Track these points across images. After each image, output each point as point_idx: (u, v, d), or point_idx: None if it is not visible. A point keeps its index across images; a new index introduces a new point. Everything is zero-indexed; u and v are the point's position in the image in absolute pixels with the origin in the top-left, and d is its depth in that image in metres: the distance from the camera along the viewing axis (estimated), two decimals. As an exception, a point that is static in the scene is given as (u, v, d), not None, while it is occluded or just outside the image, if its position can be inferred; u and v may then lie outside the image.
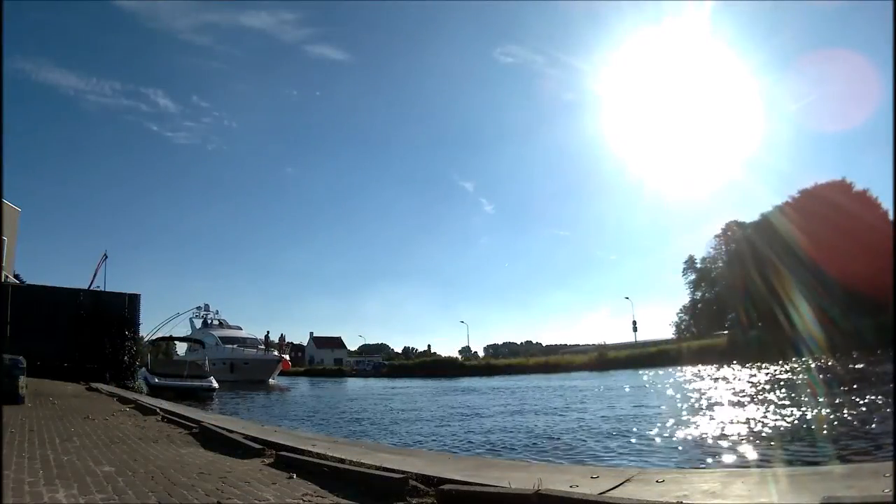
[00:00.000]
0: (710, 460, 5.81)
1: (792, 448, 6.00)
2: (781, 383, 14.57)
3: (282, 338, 39.72)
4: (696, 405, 11.00)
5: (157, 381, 18.85)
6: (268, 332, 40.36)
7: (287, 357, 38.45)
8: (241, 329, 43.26)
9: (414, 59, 79.42)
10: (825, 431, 6.85)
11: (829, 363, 20.16)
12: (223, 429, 5.54)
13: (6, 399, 7.23)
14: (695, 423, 8.45)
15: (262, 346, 38.57)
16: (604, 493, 2.75)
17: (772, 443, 6.39)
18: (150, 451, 4.44)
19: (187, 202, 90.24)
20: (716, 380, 18.02)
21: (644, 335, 50.37)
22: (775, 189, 47.84)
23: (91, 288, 20.70)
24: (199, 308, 45.57)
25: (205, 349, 37.44)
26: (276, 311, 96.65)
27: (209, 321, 44.80)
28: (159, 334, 28.27)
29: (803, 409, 9.00)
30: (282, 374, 38.64)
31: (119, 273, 72.14)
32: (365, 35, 76.22)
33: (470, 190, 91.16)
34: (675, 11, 47.34)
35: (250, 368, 34.71)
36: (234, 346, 36.98)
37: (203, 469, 3.71)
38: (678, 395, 13.82)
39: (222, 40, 69.68)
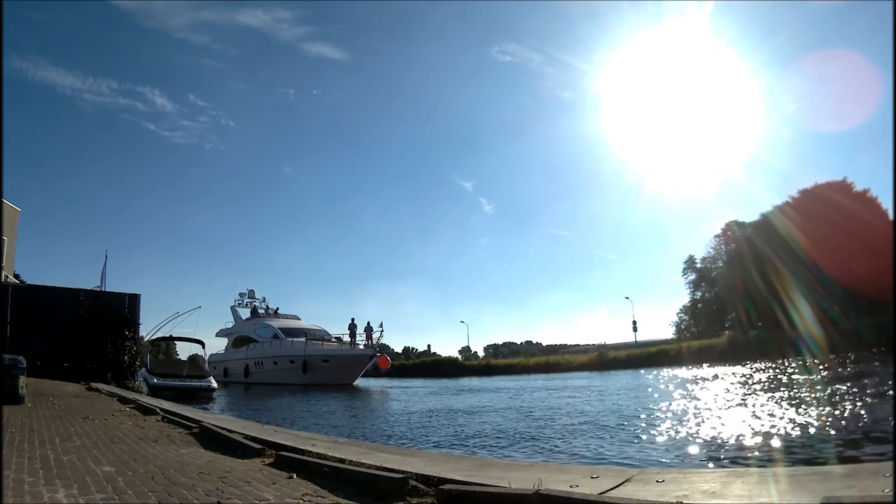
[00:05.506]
0: (709, 460, 5.81)
1: (792, 448, 5.99)
2: (781, 383, 14.58)
3: (369, 327, 28.98)
4: (696, 405, 10.99)
5: (156, 381, 18.88)
6: (353, 318, 29.58)
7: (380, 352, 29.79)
8: (298, 318, 34.65)
9: (411, 57, 79.05)
10: (825, 431, 6.85)
11: (829, 363, 20.16)
12: (223, 429, 5.55)
13: (6, 399, 7.25)
14: (695, 422, 8.44)
15: (334, 339, 30.47)
16: (604, 493, 2.75)
17: (771, 443, 6.39)
18: (150, 451, 4.44)
19: (185, 202, 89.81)
20: (715, 379, 18.02)
21: (644, 335, 50.30)
22: (775, 189, 47.79)
23: (92, 288, 20.69)
24: (241, 295, 38.18)
25: (259, 345, 32.30)
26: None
27: (259, 310, 36.27)
28: (159, 334, 28.02)
29: (803, 408, 8.99)
30: (367, 374, 30.47)
31: (119, 273, 71.85)
32: (362, 33, 75.97)
33: (469, 189, 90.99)
34: (676, 11, 47.29)
35: (332, 368, 27.52)
36: (303, 339, 29.41)
37: (203, 469, 3.71)
38: (678, 395, 13.81)
39: (219, 39, 69.36)
